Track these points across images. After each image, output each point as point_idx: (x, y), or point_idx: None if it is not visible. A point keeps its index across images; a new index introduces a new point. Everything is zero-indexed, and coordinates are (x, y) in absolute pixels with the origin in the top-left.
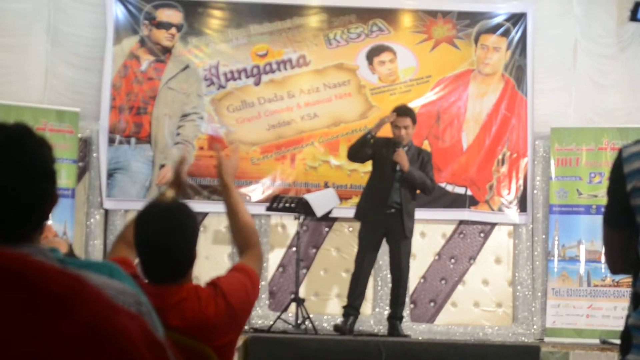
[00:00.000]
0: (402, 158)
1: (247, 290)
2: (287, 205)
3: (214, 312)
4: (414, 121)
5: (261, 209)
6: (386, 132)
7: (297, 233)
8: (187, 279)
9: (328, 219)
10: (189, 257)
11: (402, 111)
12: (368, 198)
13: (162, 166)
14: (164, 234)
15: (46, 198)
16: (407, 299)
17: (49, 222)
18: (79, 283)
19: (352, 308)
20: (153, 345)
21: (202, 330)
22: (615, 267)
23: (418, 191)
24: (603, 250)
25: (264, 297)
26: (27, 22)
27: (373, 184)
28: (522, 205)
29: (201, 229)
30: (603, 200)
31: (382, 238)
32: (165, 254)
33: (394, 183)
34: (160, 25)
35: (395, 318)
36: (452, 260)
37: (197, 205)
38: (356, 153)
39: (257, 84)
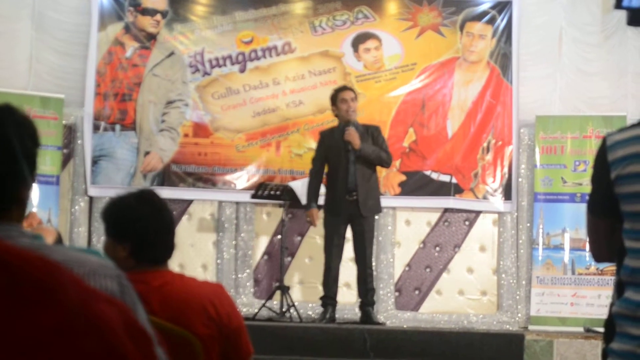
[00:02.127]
0: (352, 136)
1: (239, 313)
2: (272, 192)
3: (198, 295)
4: (355, 94)
5: (246, 197)
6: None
7: (282, 221)
8: (166, 265)
9: None
10: (169, 242)
11: (342, 87)
12: (330, 188)
13: (147, 153)
14: (153, 216)
15: (19, 180)
16: (392, 287)
17: (34, 209)
18: (57, 269)
19: (328, 298)
20: (135, 332)
21: (184, 315)
22: (599, 255)
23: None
24: (587, 238)
25: (248, 285)
26: (11, 7)
27: (331, 174)
28: (507, 193)
29: (186, 216)
30: (588, 188)
31: (347, 225)
32: (157, 235)
33: (350, 167)
34: (145, 12)
35: (367, 305)
36: (437, 249)
37: (181, 192)
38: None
39: (242, 71)
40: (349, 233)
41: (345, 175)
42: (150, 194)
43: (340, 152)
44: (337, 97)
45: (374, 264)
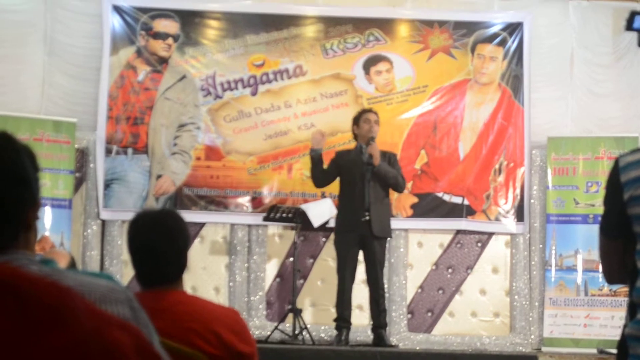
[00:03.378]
0: (375, 150)
1: (252, 339)
2: (284, 215)
3: (209, 318)
4: (378, 119)
5: (258, 219)
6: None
7: (294, 243)
8: (179, 286)
9: (325, 229)
10: (179, 262)
11: (367, 109)
12: (342, 208)
13: (159, 177)
14: (153, 241)
15: (24, 204)
16: (404, 309)
17: (47, 233)
18: (69, 295)
19: (342, 320)
20: (148, 356)
21: (193, 337)
22: (611, 276)
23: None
24: (600, 259)
25: (261, 307)
26: (23, 32)
27: (345, 194)
28: (519, 215)
29: (198, 239)
30: (600, 209)
31: (359, 248)
32: (155, 261)
33: (365, 185)
34: (157, 36)
35: (379, 327)
36: (450, 270)
37: (194, 215)
38: (317, 177)
39: (254, 94)
40: (360, 256)
41: (361, 194)
42: (165, 216)
43: (355, 172)
44: (360, 117)
45: (386, 286)
